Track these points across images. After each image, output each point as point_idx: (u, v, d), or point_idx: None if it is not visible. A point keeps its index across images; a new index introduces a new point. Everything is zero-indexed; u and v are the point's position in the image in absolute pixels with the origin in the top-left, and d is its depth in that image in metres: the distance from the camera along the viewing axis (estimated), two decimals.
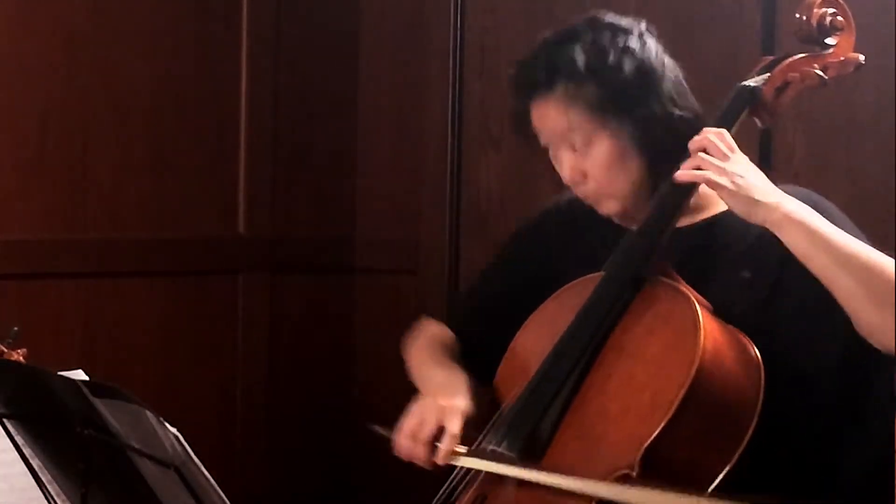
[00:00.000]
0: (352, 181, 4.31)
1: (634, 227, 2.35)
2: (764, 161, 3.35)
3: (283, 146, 4.19)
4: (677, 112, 2.32)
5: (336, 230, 4.26)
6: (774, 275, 2.27)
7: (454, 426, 2.26)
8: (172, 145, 3.98)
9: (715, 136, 2.23)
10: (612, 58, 2.32)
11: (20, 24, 3.72)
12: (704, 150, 2.22)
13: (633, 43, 2.34)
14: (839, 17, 2.31)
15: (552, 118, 2.35)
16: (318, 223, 4.26)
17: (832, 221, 2.25)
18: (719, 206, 2.35)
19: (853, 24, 2.32)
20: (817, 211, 2.25)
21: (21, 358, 2.69)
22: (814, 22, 2.30)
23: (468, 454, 2.23)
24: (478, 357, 2.48)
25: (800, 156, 3.39)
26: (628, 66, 2.31)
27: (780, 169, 3.38)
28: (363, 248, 4.29)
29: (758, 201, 2.18)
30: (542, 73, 2.33)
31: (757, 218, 2.18)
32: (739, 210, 2.20)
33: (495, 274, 2.62)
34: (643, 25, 2.37)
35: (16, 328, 2.71)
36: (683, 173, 2.23)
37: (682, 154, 2.28)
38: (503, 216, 3.94)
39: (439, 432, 2.26)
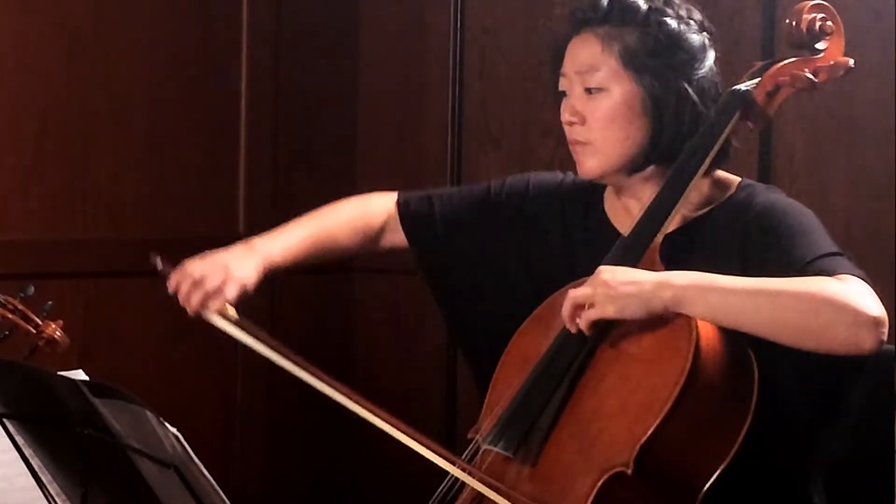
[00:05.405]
0: (352, 181, 4.30)
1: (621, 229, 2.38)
2: (764, 161, 3.36)
3: (283, 146, 4.19)
4: (697, 100, 2.34)
5: None
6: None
7: (231, 292, 2.53)
8: (172, 145, 3.98)
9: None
10: (669, 21, 2.35)
11: (20, 25, 3.72)
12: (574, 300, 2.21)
13: (693, 23, 2.38)
14: (828, 22, 2.35)
15: (584, 50, 2.37)
16: None
17: (793, 225, 2.24)
18: (709, 202, 2.37)
19: (842, 29, 2.35)
20: (774, 214, 2.26)
21: (58, 330, 2.70)
22: (803, 27, 2.34)
23: (233, 323, 2.51)
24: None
25: (800, 156, 3.39)
26: (680, 36, 2.35)
27: (780, 169, 3.38)
28: None
29: (650, 292, 2.16)
30: (601, 8, 2.37)
31: (657, 307, 2.17)
32: (639, 312, 2.17)
33: (463, 202, 2.63)
34: (706, 20, 2.41)
35: (50, 302, 2.72)
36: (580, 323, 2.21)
37: (682, 141, 2.31)
38: None
39: (217, 290, 2.50)
